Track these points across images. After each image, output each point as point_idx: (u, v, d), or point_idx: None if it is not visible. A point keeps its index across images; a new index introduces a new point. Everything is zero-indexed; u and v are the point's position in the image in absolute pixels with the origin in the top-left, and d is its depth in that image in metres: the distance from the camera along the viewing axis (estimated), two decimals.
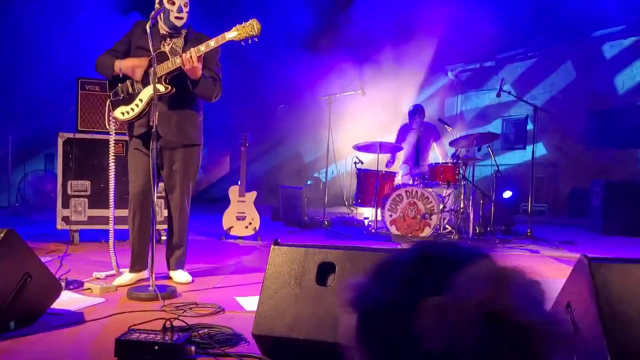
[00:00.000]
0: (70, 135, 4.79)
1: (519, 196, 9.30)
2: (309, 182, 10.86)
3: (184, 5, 3.34)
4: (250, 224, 5.37)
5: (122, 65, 3.32)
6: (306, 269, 2.22)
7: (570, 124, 11.54)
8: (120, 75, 3.36)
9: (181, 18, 3.33)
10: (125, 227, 3.58)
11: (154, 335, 2.14)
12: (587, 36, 10.68)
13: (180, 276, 3.53)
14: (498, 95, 6.20)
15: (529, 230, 6.08)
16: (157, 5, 3.34)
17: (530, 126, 11.49)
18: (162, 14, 3.33)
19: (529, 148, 8.17)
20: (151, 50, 3.08)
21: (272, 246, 2.30)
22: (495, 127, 12.78)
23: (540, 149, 11.61)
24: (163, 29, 3.38)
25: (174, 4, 3.31)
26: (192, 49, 3.18)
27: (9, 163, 7.39)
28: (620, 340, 1.95)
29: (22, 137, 7.46)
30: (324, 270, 2.20)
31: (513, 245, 5.70)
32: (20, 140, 7.47)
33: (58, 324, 2.55)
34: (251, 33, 3.12)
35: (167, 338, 2.12)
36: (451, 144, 6.14)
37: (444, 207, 5.90)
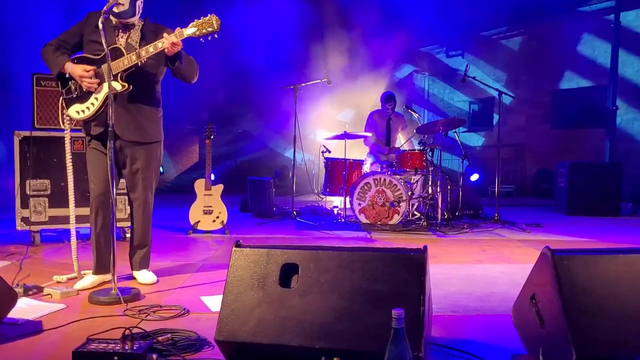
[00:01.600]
0: (27, 133, 4.62)
1: (486, 178, 9.41)
2: (278, 170, 10.79)
3: None
4: (217, 217, 5.29)
5: (71, 71, 3.18)
6: (269, 271, 2.17)
7: (535, 105, 11.71)
8: (67, 75, 3.22)
9: (121, 4, 3.15)
10: (88, 225, 3.47)
11: (113, 345, 2.07)
12: (548, 17, 10.78)
13: (144, 276, 3.45)
14: (463, 80, 6.21)
15: (496, 214, 6.15)
16: None
17: (496, 109, 11.61)
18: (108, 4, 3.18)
19: (496, 130, 8.24)
20: (104, 47, 2.96)
21: (234, 248, 2.25)
22: (462, 108, 12.88)
23: (506, 130, 11.75)
24: (113, 20, 3.23)
25: None
26: (173, 33, 3.04)
27: None
28: (584, 332, 1.97)
29: None
30: (287, 272, 2.16)
31: (481, 230, 5.76)
32: None
33: (14, 335, 2.46)
34: (210, 29, 3.01)
35: (127, 347, 2.06)
36: (418, 130, 6.14)
37: (412, 194, 5.91)
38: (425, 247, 2.11)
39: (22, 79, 5.77)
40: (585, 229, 6.10)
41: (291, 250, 2.21)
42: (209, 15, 3.03)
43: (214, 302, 2.95)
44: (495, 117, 11.02)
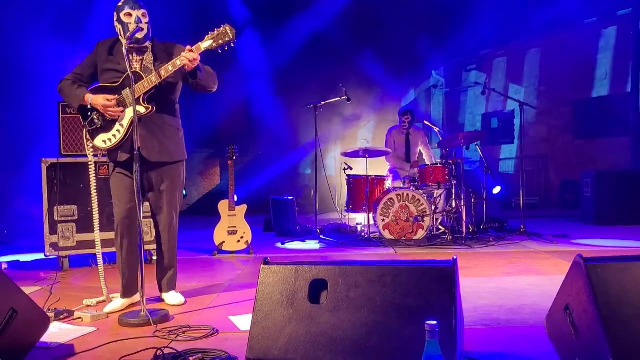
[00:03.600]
0: (54, 160, 4.71)
1: (510, 191, 9.31)
2: (304, 185, 10.83)
3: (142, 16, 3.24)
4: (242, 237, 5.31)
5: (93, 102, 3.24)
6: (298, 288, 2.17)
7: (556, 116, 11.59)
8: (89, 106, 3.29)
9: (142, 30, 3.23)
10: (114, 249, 3.51)
11: None
12: (566, 27, 10.73)
13: (172, 298, 3.46)
14: (483, 93, 6.21)
15: (522, 226, 6.06)
16: (117, 24, 3.26)
17: (517, 120, 11.51)
18: (121, 30, 3.25)
19: (517, 142, 8.20)
20: (128, 70, 3.03)
21: (262, 266, 2.25)
22: (483, 123, 12.81)
23: (528, 143, 11.64)
24: (130, 46, 3.27)
25: (130, 15, 3.22)
26: (191, 49, 3.10)
27: None
28: (621, 341, 1.92)
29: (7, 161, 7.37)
30: (316, 288, 2.16)
31: (507, 242, 5.68)
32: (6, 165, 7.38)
33: (47, 359, 2.48)
34: (226, 39, 3.05)
35: None
36: (439, 145, 6.13)
37: (436, 208, 5.88)
38: (455, 259, 2.09)
39: (46, 107, 5.91)
40: (614, 238, 5.98)
41: (319, 267, 2.21)
42: (222, 26, 3.06)
43: (242, 322, 2.95)
44: (517, 130, 10.93)
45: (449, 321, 1.96)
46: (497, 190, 8.24)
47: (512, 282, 3.88)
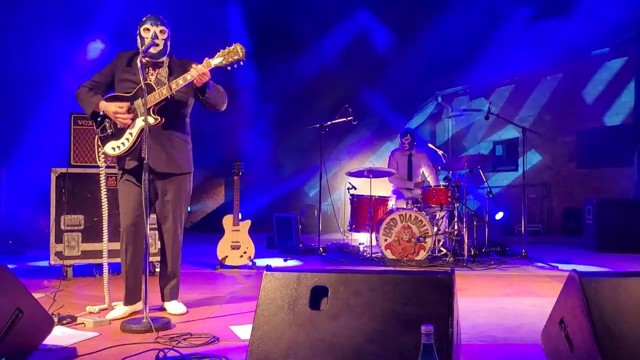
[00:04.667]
0: (63, 170, 4.80)
1: (513, 217, 9.33)
2: (308, 204, 10.89)
3: (160, 33, 3.36)
4: (245, 252, 5.35)
5: (105, 109, 3.33)
6: (299, 294, 2.22)
7: (560, 144, 11.67)
8: (102, 113, 3.38)
9: (157, 45, 3.35)
10: (119, 260, 3.57)
11: None
12: (573, 57, 10.86)
13: (174, 307, 3.50)
14: (486, 118, 6.29)
15: (523, 251, 6.09)
16: (138, 38, 3.39)
17: (521, 149, 11.60)
18: (140, 45, 3.36)
19: (521, 169, 8.26)
20: (141, 82, 3.12)
21: (265, 272, 2.31)
22: (487, 149, 12.89)
23: (532, 170, 11.70)
24: (145, 59, 3.37)
25: (148, 30, 3.35)
26: (201, 64, 3.20)
27: (1, 199, 7.39)
28: (615, 355, 1.96)
29: (18, 172, 7.48)
30: (317, 294, 2.20)
31: (508, 266, 5.70)
32: (14, 175, 7.49)
33: None
34: (236, 58, 3.16)
35: None
36: (442, 167, 6.19)
37: (438, 229, 5.92)
38: (452, 270, 2.14)
39: (57, 118, 6.01)
40: (616, 265, 5.99)
41: (321, 274, 2.26)
42: (233, 44, 3.17)
43: (243, 331, 2.98)
44: (520, 157, 10.99)
45: (446, 329, 2.00)
46: (499, 215, 8.29)
47: (511, 302, 3.91)
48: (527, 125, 11.53)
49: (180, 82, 3.25)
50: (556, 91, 11.60)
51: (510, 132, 12.09)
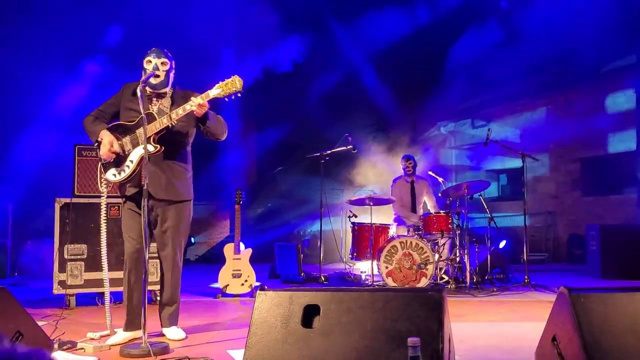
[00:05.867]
0: (67, 200, 4.88)
1: (517, 246, 9.29)
2: (309, 234, 10.89)
3: (161, 65, 3.48)
4: (246, 281, 5.37)
5: (101, 136, 3.45)
6: (292, 312, 2.25)
7: (564, 173, 11.69)
8: (99, 140, 3.48)
9: (157, 76, 3.47)
10: (121, 289, 3.61)
11: None
12: (578, 85, 10.96)
13: (173, 333, 3.52)
14: (485, 144, 6.35)
15: (526, 277, 6.06)
16: (143, 70, 3.51)
17: (525, 178, 11.64)
18: (144, 75, 3.47)
19: (527, 198, 8.26)
20: (142, 111, 3.22)
21: (258, 292, 2.34)
22: (491, 178, 12.92)
23: (537, 199, 11.70)
24: (147, 90, 3.51)
25: (150, 62, 3.48)
26: (200, 96, 3.30)
27: (8, 232, 7.47)
28: None
29: (21, 204, 7.57)
30: (310, 313, 2.24)
31: (511, 292, 5.67)
32: (18, 207, 7.58)
33: None
34: (234, 89, 3.26)
35: None
36: (443, 194, 6.23)
37: (440, 256, 5.92)
38: (443, 286, 2.17)
39: (61, 149, 6.12)
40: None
41: (313, 292, 2.30)
42: (232, 76, 3.28)
43: (240, 355, 2.99)
44: (525, 184, 11.00)
45: (437, 345, 2.02)
46: (502, 244, 8.25)
47: (512, 327, 3.89)
48: (531, 153, 11.60)
49: (180, 112, 3.35)
50: (558, 119, 11.68)
51: (514, 162, 12.13)
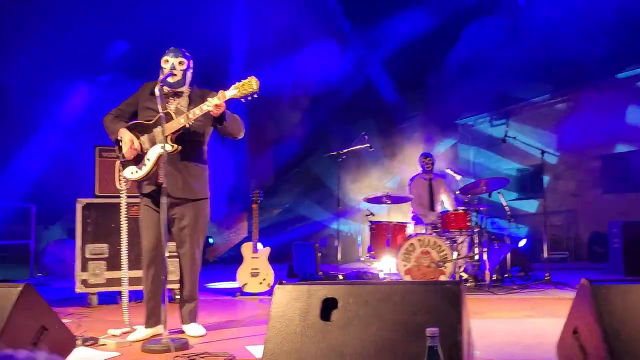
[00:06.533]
0: (89, 200, 4.95)
1: (538, 245, 9.19)
2: (326, 233, 10.91)
3: (178, 64, 3.52)
4: (264, 279, 5.39)
5: (120, 134, 3.50)
6: (310, 306, 2.26)
7: (585, 170, 11.53)
8: (118, 138, 3.53)
9: (174, 75, 3.51)
10: (141, 288, 3.66)
11: None
12: (597, 80, 10.82)
13: (193, 329, 3.56)
14: (504, 141, 6.30)
15: (547, 275, 5.99)
16: (160, 69, 3.55)
17: (545, 176, 11.50)
18: (161, 75, 3.51)
19: (546, 196, 8.17)
20: (160, 111, 3.26)
21: (276, 286, 2.36)
22: (510, 175, 12.80)
23: (557, 197, 11.55)
24: (165, 89, 3.53)
25: (167, 62, 3.52)
26: (216, 96, 3.32)
27: (31, 234, 7.59)
28: None
29: (43, 206, 7.70)
30: (328, 306, 2.24)
31: (531, 290, 5.61)
32: (40, 209, 7.71)
33: None
34: (250, 90, 3.28)
35: None
36: (461, 191, 6.19)
37: (458, 254, 5.88)
38: (461, 278, 2.16)
39: (80, 151, 6.21)
40: None
41: (331, 286, 2.30)
42: (248, 77, 3.30)
43: (259, 350, 3.01)
44: (545, 183, 10.86)
45: (455, 338, 2.01)
46: (522, 242, 8.19)
47: (532, 323, 3.86)
48: (551, 151, 11.46)
49: (197, 111, 3.39)
50: (578, 116, 11.53)
51: (533, 159, 12.00)
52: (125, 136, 3.47)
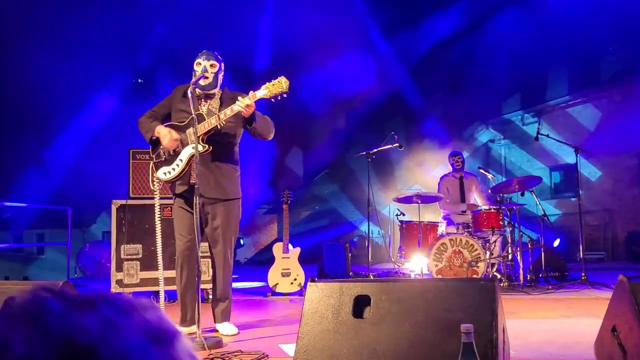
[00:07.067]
0: (123, 201, 5.06)
1: (573, 245, 9.00)
2: (357, 234, 10.89)
3: (210, 67, 3.57)
4: (295, 279, 5.42)
5: (157, 130, 3.57)
6: (342, 303, 2.26)
7: (621, 169, 11.25)
8: (156, 134, 3.59)
9: (206, 78, 3.56)
10: (174, 288, 3.72)
11: None
12: (635, 77, 10.54)
13: (226, 328, 3.60)
14: (536, 139, 6.19)
15: (583, 275, 5.85)
16: (193, 72, 3.61)
17: (580, 174, 11.26)
18: (193, 77, 3.57)
19: (582, 195, 7.97)
20: (192, 112, 3.31)
21: (309, 283, 2.37)
22: (543, 175, 12.57)
23: (594, 197, 11.30)
24: (197, 91, 3.59)
25: (199, 64, 3.57)
26: (247, 96, 3.36)
27: (68, 236, 7.79)
28: None
29: (79, 209, 7.88)
30: (360, 303, 2.24)
31: (567, 290, 5.50)
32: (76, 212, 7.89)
33: None
34: (280, 90, 3.31)
35: None
36: (493, 190, 6.10)
37: (491, 254, 5.80)
38: (494, 277, 2.13)
39: (115, 154, 6.33)
40: None
41: (363, 283, 2.30)
42: (278, 77, 3.33)
43: (292, 349, 3.02)
44: (580, 181, 10.64)
45: (490, 335, 1.99)
46: (557, 242, 8.02)
47: (568, 323, 3.78)
48: (586, 149, 11.19)
49: (228, 112, 3.43)
50: (613, 115, 11.26)
51: (566, 158, 11.76)
52: (163, 130, 3.54)
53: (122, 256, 4.98)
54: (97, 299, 0.64)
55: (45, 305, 0.60)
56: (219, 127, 3.48)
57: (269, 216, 14.33)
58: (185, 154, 3.52)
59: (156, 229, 3.83)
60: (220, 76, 3.68)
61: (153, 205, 4.92)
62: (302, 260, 5.55)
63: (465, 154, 12.42)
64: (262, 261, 10.27)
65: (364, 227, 11.34)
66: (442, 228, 6.36)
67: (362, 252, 9.71)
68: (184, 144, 3.54)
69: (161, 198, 3.86)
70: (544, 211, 6.11)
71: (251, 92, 3.41)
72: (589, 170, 11.32)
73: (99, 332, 0.59)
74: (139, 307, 0.65)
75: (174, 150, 3.56)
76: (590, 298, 4.99)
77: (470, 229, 5.91)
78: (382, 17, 10.82)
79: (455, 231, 6.07)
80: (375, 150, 6.40)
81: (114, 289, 4.97)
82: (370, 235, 6.55)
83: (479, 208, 6.06)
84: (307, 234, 11.84)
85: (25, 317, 0.58)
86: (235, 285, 4.23)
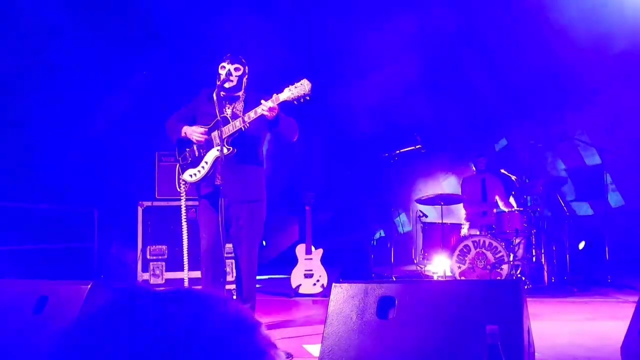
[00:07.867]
0: (149, 203, 5.15)
1: (598, 247, 8.86)
2: (379, 235, 10.87)
3: (234, 70, 3.63)
4: (318, 281, 5.44)
5: (185, 129, 3.65)
6: (367, 304, 2.28)
7: None
8: (183, 134, 3.67)
9: (231, 81, 3.61)
10: (200, 287, 3.78)
11: None
12: None
13: None
14: (560, 140, 6.12)
15: (609, 277, 5.77)
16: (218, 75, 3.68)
17: (605, 175, 11.07)
18: (218, 81, 3.62)
19: (609, 197, 7.87)
20: (217, 115, 3.37)
21: (333, 284, 2.39)
22: (568, 177, 12.40)
23: (620, 199, 11.11)
24: (222, 94, 3.65)
25: (224, 68, 3.63)
26: (270, 99, 3.40)
27: (94, 237, 7.92)
28: None
29: (105, 210, 8.01)
30: (384, 304, 2.26)
31: (593, 293, 5.43)
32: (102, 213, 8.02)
33: None
34: (302, 93, 3.34)
35: None
36: (516, 191, 6.06)
37: (515, 256, 5.75)
38: (520, 278, 2.13)
39: (141, 157, 6.43)
40: None
41: (388, 284, 2.32)
42: (301, 80, 3.36)
43: (316, 350, 3.05)
44: (605, 182, 10.46)
45: (516, 337, 1.99)
46: (581, 245, 7.91)
47: (594, 325, 3.75)
48: (611, 149, 11.01)
49: (252, 114, 3.48)
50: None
51: (592, 158, 11.57)
52: (189, 128, 3.63)
53: (148, 257, 5.08)
54: (182, 294, 0.68)
55: (143, 298, 0.65)
56: (243, 129, 3.53)
57: (290, 219, 14.38)
58: (210, 156, 3.58)
59: (182, 230, 3.90)
60: (245, 80, 3.73)
61: (178, 207, 5.01)
62: (324, 261, 5.58)
63: (494, 149, 12.34)
64: (284, 263, 10.32)
65: (387, 228, 11.32)
66: (465, 229, 6.33)
67: (385, 254, 9.70)
68: (209, 146, 3.60)
69: (186, 199, 3.92)
70: (568, 214, 6.04)
71: (274, 94, 3.45)
72: (614, 171, 11.11)
73: (191, 323, 0.63)
74: (221, 301, 0.69)
75: (199, 152, 3.63)
76: (617, 301, 4.93)
77: (493, 231, 5.87)
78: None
79: (478, 233, 6.03)
80: (398, 151, 6.39)
81: None
82: (394, 235, 6.54)
83: (501, 210, 6.02)
84: (329, 235, 11.86)
85: (127, 311, 0.63)
86: (258, 285, 4.30)
